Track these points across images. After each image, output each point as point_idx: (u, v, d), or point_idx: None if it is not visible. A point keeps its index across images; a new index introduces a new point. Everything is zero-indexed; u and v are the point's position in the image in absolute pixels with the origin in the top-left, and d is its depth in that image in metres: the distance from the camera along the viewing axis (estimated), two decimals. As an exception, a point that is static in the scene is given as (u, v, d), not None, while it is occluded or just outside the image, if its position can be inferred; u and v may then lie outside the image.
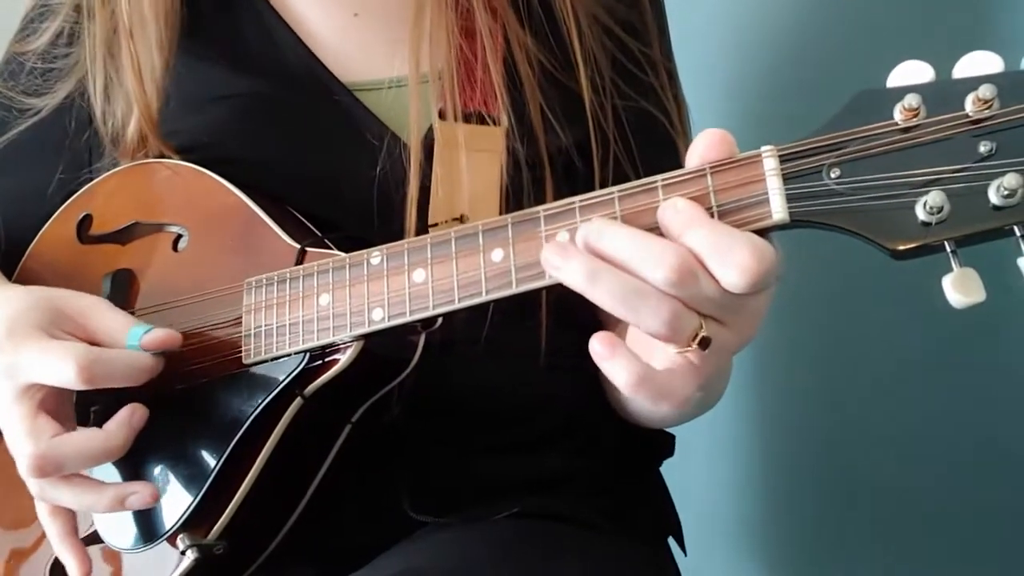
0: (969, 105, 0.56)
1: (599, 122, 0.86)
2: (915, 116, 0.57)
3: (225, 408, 0.76)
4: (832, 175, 0.58)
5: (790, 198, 0.58)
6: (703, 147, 0.61)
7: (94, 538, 0.79)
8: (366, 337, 0.72)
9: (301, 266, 0.75)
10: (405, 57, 0.83)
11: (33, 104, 0.91)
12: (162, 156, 0.86)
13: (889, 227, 0.57)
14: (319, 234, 0.80)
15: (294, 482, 0.79)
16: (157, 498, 0.75)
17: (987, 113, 0.55)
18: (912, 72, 0.58)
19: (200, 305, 0.79)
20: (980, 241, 0.56)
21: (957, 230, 0.56)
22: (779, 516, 1.37)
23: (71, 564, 0.77)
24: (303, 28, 0.88)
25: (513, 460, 0.86)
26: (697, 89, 0.97)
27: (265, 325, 0.75)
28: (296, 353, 0.74)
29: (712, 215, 0.59)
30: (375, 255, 0.71)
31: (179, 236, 0.83)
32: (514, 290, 0.65)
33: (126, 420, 0.75)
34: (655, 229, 0.60)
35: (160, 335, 0.75)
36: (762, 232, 0.59)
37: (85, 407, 0.78)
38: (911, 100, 0.57)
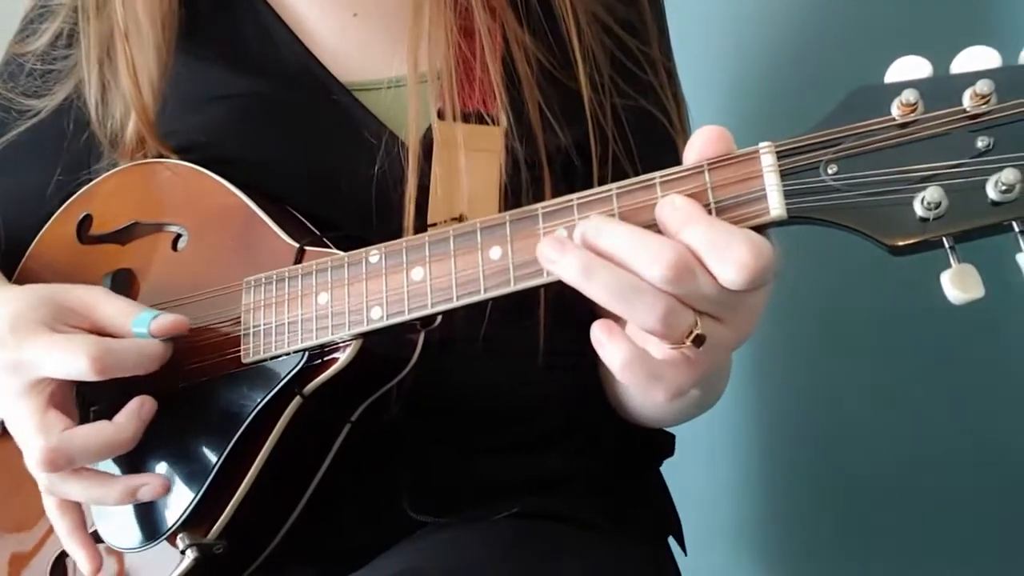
0: (967, 100, 0.56)
1: (598, 121, 0.86)
2: (913, 112, 0.57)
3: (224, 407, 0.76)
4: (830, 171, 0.58)
5: (788, 194, 0.58)
6: (700, 144, 0.61)
7: (94, 538, 0.79)
8: (365, 336, 0.72)
9: (300, 265, 0.75)
10: (404, 57, 0.83)
11: (32, 105, 0.91)
12: (161, 156, 0.86)
13: (887, 223, 0.57)
14: (318, 233, 0.80)
15: (294, 481, 0.79)
16: (168, 489, 0.75)
17: (985, 108, 0.55)
18: (910, 68, 0.58)
19: (199, 304, 0.79)
20: (978, 237, 0.56)
21: (955, 226, 0.56)
22: (778, 516, 1.37)
23: (82, 559, 0.77)
24: (302, 28, 0.88)
25: (513, 460, 0.86)
26: (696, 88, 0.97)
27: (264, 324, 0.75)
28: (295, 352, 0.74)
29: (710, 212, 0.59)
30: (374, 253, 0.71)
31: (178, 236, 0.83)
32: (512, 288, 0.65)
33: (135, 412, 0.75)
34: (653, 226, 0.60)
35: (169, 320, 0.75)
36: (760, 228, 0.59)
37: (85, 404, 0.78)
38: (909, 96, 0.56)
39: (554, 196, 0.66)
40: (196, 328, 0.78)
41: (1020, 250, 0.55)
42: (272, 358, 0.75)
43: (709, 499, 1.38)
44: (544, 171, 0.84)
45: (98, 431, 0.74)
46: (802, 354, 1.27)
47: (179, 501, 0.75)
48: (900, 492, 1.19)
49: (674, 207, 0.59)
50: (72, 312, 0.76)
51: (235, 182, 0.82)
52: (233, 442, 0.74)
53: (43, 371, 0.73)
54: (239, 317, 0.77)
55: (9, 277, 0.89)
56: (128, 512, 0.78)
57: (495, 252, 0.66)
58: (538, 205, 0.65)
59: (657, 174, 0.62)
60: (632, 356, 0.59)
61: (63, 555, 0.82)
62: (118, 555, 0.80)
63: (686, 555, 1.00)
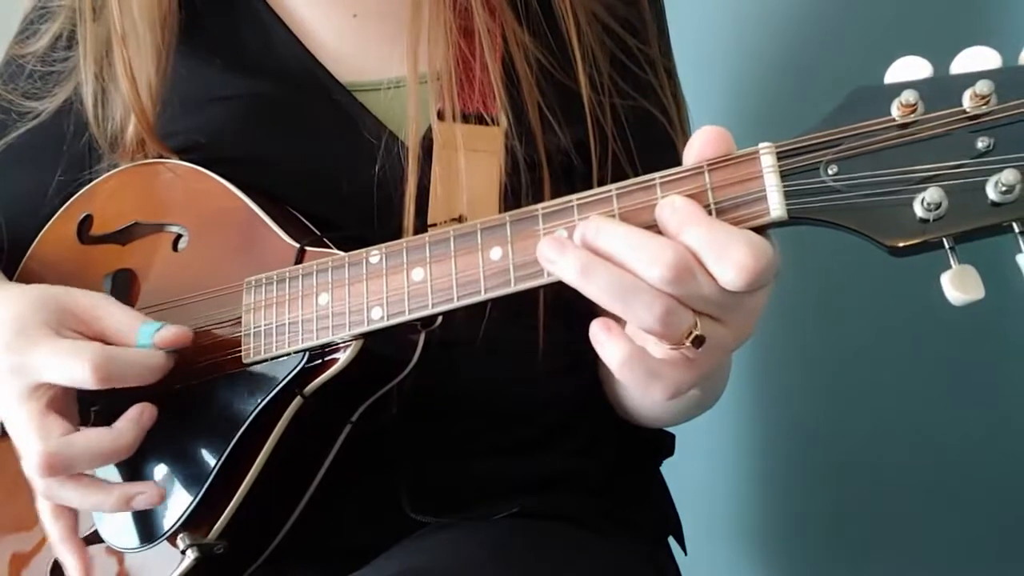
0: (967, 101, 0.56)
1: (598, 120, 0.86)
2: (913, 112, 0.57)
3: (225, 407, 0.76)
4: (830, 172, 0.58)
5: (788, 195, 0.58)
6: (700, 144, 0.61)
7: (95, 538, 0.79)
8: (365, 336, 0.72)
9: (300, 265, 0.75)
10: (403, 57, 0.83)
11: (32, 107, 0.91)
12: (161, 157, 0.86)
13: (887, 224, 0.57)
14: (318, 233, 0.80)
15: (294, 482, 0.79)
16: (164, 498, 0.75)
17: (985, 109, 0.55)
18: (910, 68, 0.58)
19: (200, 304, 0.79)
20: (978, 237, 0.56)
21: (955, 226, 0.56)
22: (779, 516, 1.37)
23: (72, 565, 0.77)
24: (302, 29, 0.88)
25: (513, 460, 0.87)
26: (696, 88, 0.97)
27: (265, 324, 0.75)
28: (295, 352, 0.74)
29: (710, 212, 0.59)
30: (374, 254, 0.71)
31: (179, 236, 0.83)
32: (513, 288, 0.65)
33: (135, 419, 0.75)
34: (653, 227, 0.60)
35: (172, 332, 0.75)
36: (760, 229, 0.59)
37: (85, 407, 0.78)
38: (909, 96, 0.56)
39: (554, 196, 0.66)
40: (196, 329, 0.78)
41: (1020, 251, 0.55)
42: (272, 358, 0.75)
43: (709, 499, 1.38)
44: (544, 171, 0.84)
45: (97, 437, 0.74)
46: (802, 354, 1.27)
47: (179, 501, 0.75)
48: (899, 492, 1.19)
49: (674, 208, 0.59)
50: (75, 318, 0.76)
51: (236, 182, 0.82)
52: (233, 442, 0.74)
53: (45, 376, 0.73)
54: (239, 317, 0.77)
55: (10, 277, 0.89)
56: (129, 512, 0.78)
57: (495, 253, 0.66)
58: (538, 206, 0.65)
59: (657, 175, 0.62)
60: (631, 354, 0.59)
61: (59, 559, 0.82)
62: (118, 555, 0.80)
63: (686, 555, 1.00)
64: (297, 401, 0.74)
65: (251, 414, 0.74)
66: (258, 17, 0.88)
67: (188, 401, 0.77)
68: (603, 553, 0.86)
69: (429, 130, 0.83)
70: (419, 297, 0.69)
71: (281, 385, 0.74)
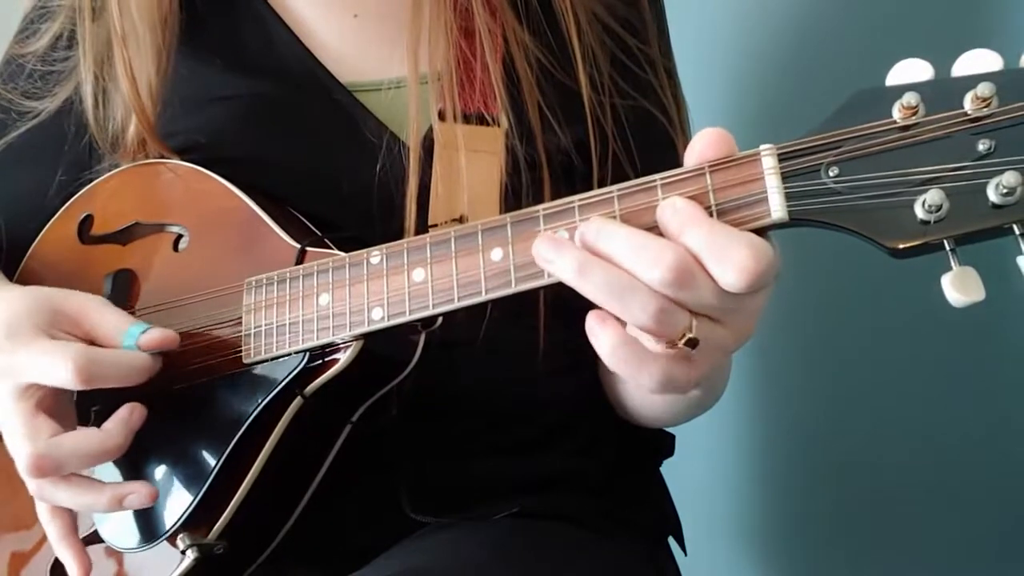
0: (968, 103, 0.56)
1: (598, 120, 0.86)
2: (914, 114, 0.57)
3: (225, 408, 0.76)
4: (831, 173, 0.58)
5: (789, 197, 0.58)
6: (701, 146, 0.61)
7: (95, 538, 0.79)
8: (366, 337, 0.72)
9: (301, 266, 0.75)
10: (404, 58, 0.83)
11: (33, 107, 0.91)
12: (162, 157, 0.86)
13: (888, 226, 0.57)
14: (319, 234, 0.80)
15: (294, 482, 0.79)
16: (156, 498, 0.75)
17: (986, 111, 0.55)
18: (911, 70, 0.58)
19: (200, 305, 0.79)
20: (979, 240, 0.56)
21: (956, 228, 0.56)
22: (779, 516, 1.37)
23: (70, 564, 0.77)
24: (303, 29, 0.88)
25: (513, 460, 0.87)
26: (696, 88, 0.97)
27: (265, 324, 0.75)
28: (296, 353, 0.74)
29: (711, 214, 0.59)
30: (375, 254, 0.71)
31: (179, 236, 0.83)
32: (513, 289, 0.65)
33: (124, 419, 0.75)
34: (654, 228, 0.60)
35: (156, 335, 0.75)
36: (761, 231, 0.59)
37: (86, 407, 0.78)
38: (910, 98, 0.56)
39: (554, 197, 0.66)
40: (197, 329, 0.78)
41: (1021, 253, 0.55)
42: (273, 359, 0.75)
43: (709, 499, 1.38)
44: (544, 171, 0.84)
45: (85, 438, 0.74)
46: (802, 355, 1.27)
47: (179, 501, 0.75)
48: (899, 492, 1.19)
49: (675, 209, 0.59)
50: (68, 319, 0.76)
51: (236, 183, 0.82)
52: (234, 442, 0.74)
53: (31, 376, 0.73)
54: (240, 318, 0.77)
55: (10, 277, 0.89)
56: (128, 512, 0.78)
57: (496, 254, 0.66)
58: (539, 207, 0.65)
59: (658, 176, 0.62)
60: (621, 341, 0.59)
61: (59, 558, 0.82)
62: (118, 555, 0.80)
63: (686, 555, 1.00)
64: (297, 401, 0.74)
65: (251, 414, 0.74)
66: (259, 17, 0.88)
67: (188, 401, 0.77)
68: (603, 553, 0.86)
69: (430, 130, 0.83)
70: (420, 298, 0.69)
71: (281, 385, 0.74)
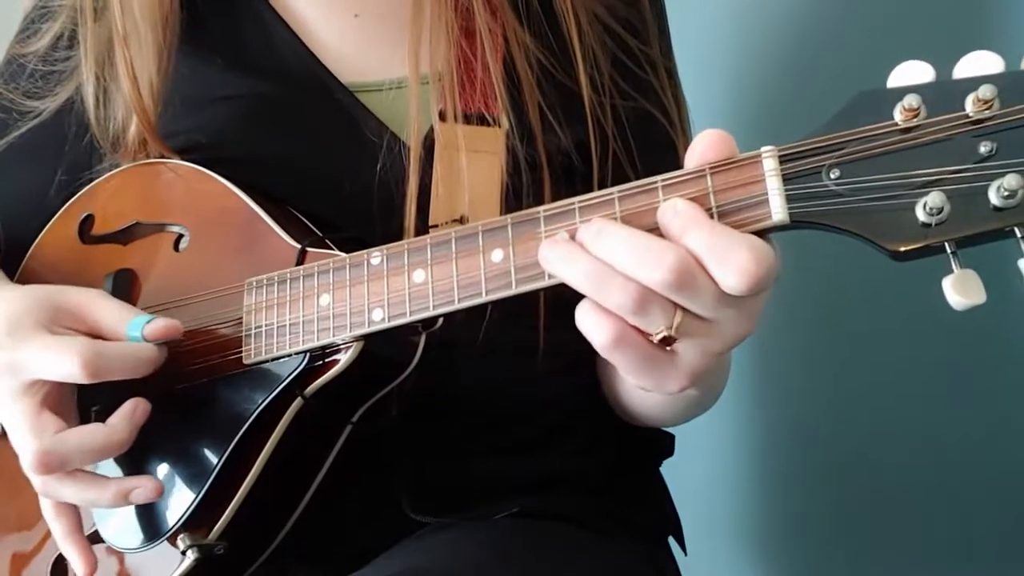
0: (969, 105, 0.56)
1: (598, 121, 0.86)
2: (915, 116, 0.57)
3: (225, 408, 0.76)
4: (832, 176, 0.58)
5: (790, 199, 0.58)
6: (703, 147, 0.61)
7: (95, 538, 0.79)
8: (366, 337, 0.72)
9: (302, 266, 0.75)
10: (405, 58, 0.83)
11: (34, 107, 0.91)
12: (163, 157, 0.86)
13: (889, 228, 0.57)
14: (320, 234, 0.80)
15: (294, 482, 0.79)
16: (161, 492, 0.75)
17: (987, 113, 0.55)
18: (912, 72, 0.58)
19: (201, 305, 0.79)
20: (980, 242, 0.56)
21: (957, 231, 0.55)
22: (778, 516, 1.37)
23: (76, 562, 0.77)
24: (304, 29, 0.88)
25: (513, 460, 0.87)
26: (697, 89, 0.97)
27: (266, 325, 0.75)
28: (296, 353, 0.74)
29: (712, 216, 0.59)
30: (375, 255, 0.71)
31: (180, 236, 0.83)
32: (514, 291, 0.65)
33: (129, 414, 0.75)
34: (655, 230, 0.60)
35: (162, 325, 0.75)
36: (762, 233, 0.59)
37: (85, 407, 0.78)
38: (911, 100, 0.56)
39: (554, 197, 0.66)
40: (197, 329, 0.78)
41: (1022, 255, 0.54)
42: (273, 359, 0.75)
43: (709, 499, 1.38)
44: (544, 172, 0.84)
45: (91, 433, 0.73)
46: (802, 355, 1.28)
47: (180, 502, 0.75)
48: (899, 493, 1.19)
49: (676, 211, 0.59)
50: (69, 314, 0.76)
51: (237, 183, 0.82)
52: (234, 443, 0.74)
53: (36, 373, 0.73)
54: (240, 318, 0.77)
55: (11, 276, 0.89)
56: (129, 512, 0.78)
57: (497, 255, 0.66)
58: (539, 208, 0.65)
59: (659, 178, 0.62)
60: (620, 332, 0.59)
61: (63, 555, 0.82)
62: (119, 555, 0.80)
63: (686, 555, 1.00)
64: (298, 402, 0.74)
65: (252, 415, 0.74)
66: (260, 17, 0.88)
67: (188, 402, 0.77)
68: (603, 553, 0.86)
69: (431, 130, 0.83)
70: (420, 299, 0.69)
71: (282, 386, 0.74)
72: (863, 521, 1.23)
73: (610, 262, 0.59)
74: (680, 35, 0.95)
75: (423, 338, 0.76)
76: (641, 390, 0.66)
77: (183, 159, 0.85)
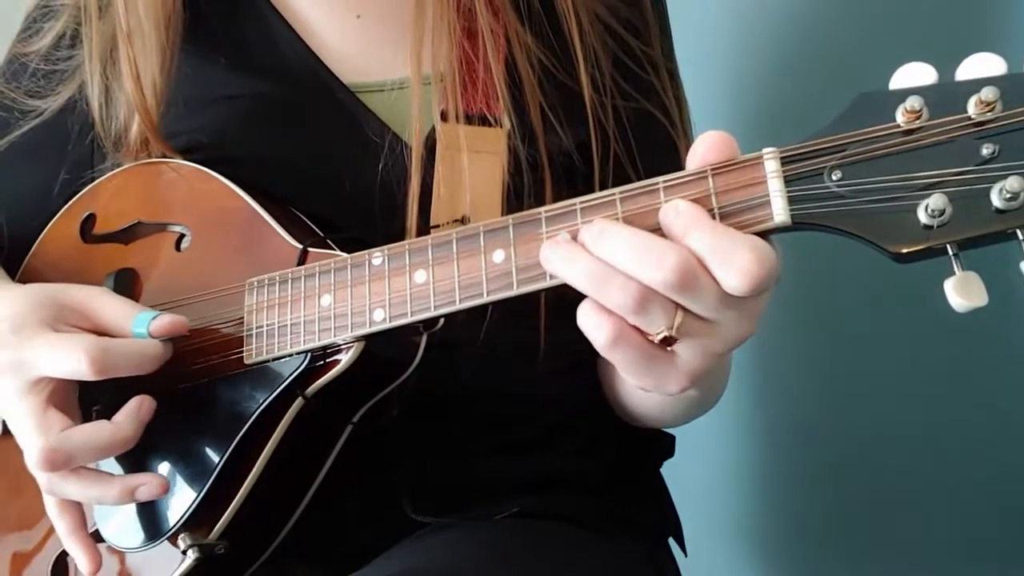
0: (972, 107, 0.56)
1: (600, 121, 0.86)
2: (917, 118, 0.57)
3: (226, 408, 0.76)
4: (834, 177, 0.58)
5: (792, 200, 0.58)
6: (704, 149, 0.61)
7: (96, 537, 0.79)
8: (367, 338, 0.72)
9: (303, 266, 0.75)
10: (407, 58, 0.83)
11: (36, 106, 0.91)
12: (165, 156, 0.86)
13: (891, 230, 0.57)
14: (321, 234, 0.80)
15: (295, 482, 0.79)
16: (167, 489, 0.75)
17: (990, 116, 0.55)
18: (914, 74, 0.58)
19: (202, 305, 0.79)
20: (982, 244, 0.56)
21: (959, 233, 0.55)
22: (779, 516, 1.37)
23: (81, 559, 0.77)
24: (306, 29, 0.88)
25: (513, 460, 0.87)
26: (698, 90, 0.97)
27: (267, 325, 0.75)
28: (297, 353, 0.74)
29: (713, 217, 0.59)
30: (377, 256, 0.71)
31: (181, 236, 0.83)
32: (515, 291, 0.65)
33: (134, 412, 0.75)
34: (657, 231, 0.60)
35: (167, 320, 0.75)
36: (763, 234, 0.59)
37: (86, 407, 0.78)
38: (913, 102, 0.56)
39: (556, 198, 0.66)
40: (199, 329, 0.78)
41: (1024, 258, 0.55)
42: (275, 359, 0.75)
43: (709, 499, 1.38)
44: (546, 172, 0.84)
45: (96, 431, 0.73)
46: (802, 356, 1.28)
47: (181, 501, 0.75)
48: (899, 493, 1.19)
49: (678, 212, 0.59)
50: (73, 312, 0.76)
51: (239, 182, 0.82)
52: (235, 443, 0.74)
53: (42, 370, 0.73)
54: (242, 318, 0.77)
55: (13, 276, 0.89)
56: (130, 512, 0.78)
57: (498, 255, 0.66)
58: (541, 209, 0.65)
59: (661, 179, 0.62)
60: (619, 331, 0.59)
61: (64, 554, 0.82)
62: (119, 555, 0.80)
63: (686, 555, 1.00)
64: (299, 402, 0.74)
65: (253, 415, 0.74)
66: (262, 17, 0.88)
67: (190, 401, 0.77)
68: (603, 553, 0.86)
69: (432, 131, 0.83)
70: (421, 299, 0.69)
71: (283, 386, 0.74)
72: (863, 521, 1.23)
73: (612, 262, 0.59)
74: (680, 35, 0.95)
75: (424, 338, 0.76)
76: (641, 391, 0.66)
77: (185, 159, 0.85)
